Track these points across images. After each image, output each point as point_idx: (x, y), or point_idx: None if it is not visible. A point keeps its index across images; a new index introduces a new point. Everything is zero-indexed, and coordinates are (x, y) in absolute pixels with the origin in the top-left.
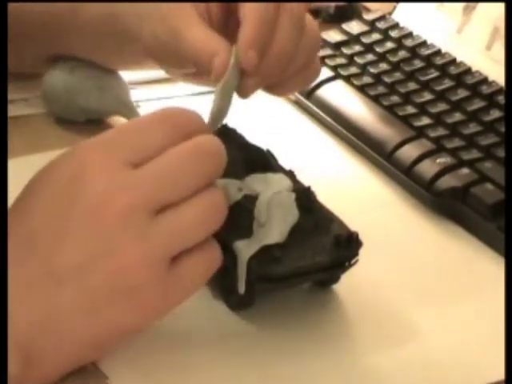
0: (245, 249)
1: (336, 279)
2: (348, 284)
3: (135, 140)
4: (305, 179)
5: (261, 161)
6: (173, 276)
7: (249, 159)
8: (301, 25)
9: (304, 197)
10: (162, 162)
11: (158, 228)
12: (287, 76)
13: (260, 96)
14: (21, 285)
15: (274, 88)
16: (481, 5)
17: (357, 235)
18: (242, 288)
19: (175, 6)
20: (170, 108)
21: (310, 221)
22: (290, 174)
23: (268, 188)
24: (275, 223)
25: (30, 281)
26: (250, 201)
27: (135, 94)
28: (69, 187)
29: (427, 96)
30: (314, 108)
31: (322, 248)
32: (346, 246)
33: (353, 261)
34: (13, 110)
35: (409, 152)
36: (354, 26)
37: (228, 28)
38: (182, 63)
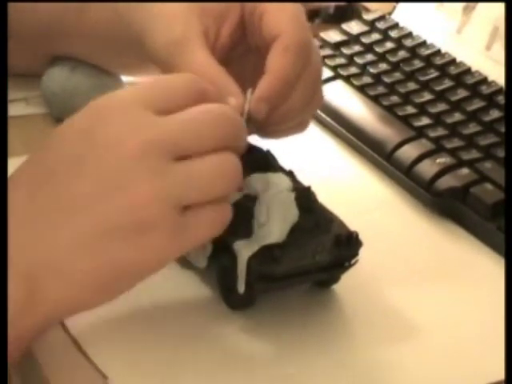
0: (245, 248)
1: (336, 279)
2: (348, 284)
3: (159, 92)
4: (305, 179)
5: (261, 161)
6: (182, 222)
7: (249, 159)
8: (316, 87)
9: (304, 196)
10: (185, 113)
11: (174, 170)
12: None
13: None
14: (28, 221)
15: (268, 133)
16: (481, 5)
17: (357, 235)
18: (241, 287)
19: (180, 20)
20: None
21: (310, 220)
22: (290, 175)
23: (268, 188)
24: (275, 223)
25: (37, 215)
26: (249, 200)
27: None
28: (88, 127)
29: (427, 96)
30: None
31: (322, 248)
32: (346, 246)
33: (353, 261)
34: (13, 110)
35: (408, 152)
36: (354, 26)
37: (233, 52)
38: None
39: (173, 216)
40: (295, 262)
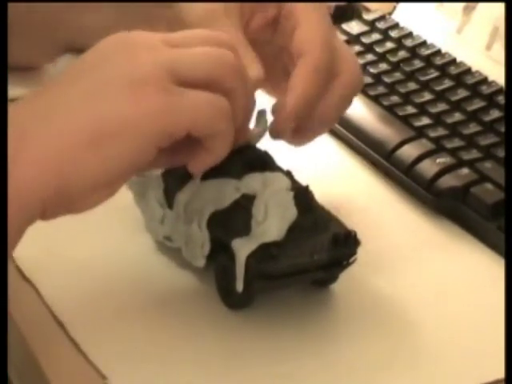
0: (243, 247)
1: (334, 279)
2: (346, 284)
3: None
4: (304, 179)
5: (258, 161)
6: (176, 88)
7: (247, 160)
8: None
9: (302, 196)
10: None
11: (169, 48)
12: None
13: (259, 97)
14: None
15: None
16: (481, 5)
17: (355, 234)
18: (240, 286)
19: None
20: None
21: (309, 219)
22: (288, 175)
23: (266, 187)
24: (273, 221)
25: (41, 93)
26: (247, 200)
27: None
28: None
29: (427, 96)
30: None
31: (320, 246)
32: (344, 245)
33: (351, 260)
34: None
35: (409, 152)
36: (354, 26)
37: (258, 41)
38: None
39: (166, 81)
40: (293, 260)
